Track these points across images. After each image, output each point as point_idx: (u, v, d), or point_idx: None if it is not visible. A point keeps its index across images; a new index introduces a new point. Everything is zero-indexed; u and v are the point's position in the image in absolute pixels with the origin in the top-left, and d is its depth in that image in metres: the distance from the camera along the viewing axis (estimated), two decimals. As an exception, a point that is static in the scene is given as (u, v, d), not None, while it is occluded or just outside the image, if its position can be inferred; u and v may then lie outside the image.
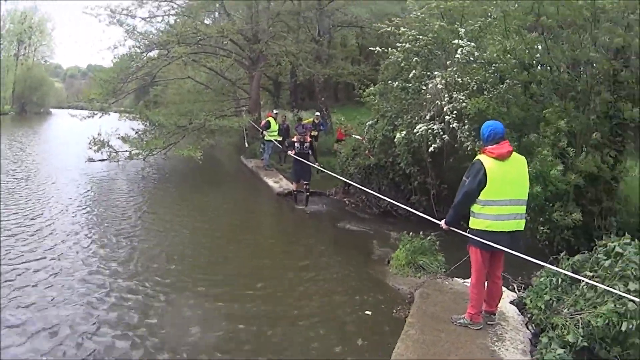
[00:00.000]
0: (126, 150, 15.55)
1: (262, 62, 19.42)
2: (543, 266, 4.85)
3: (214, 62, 19.43)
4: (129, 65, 17.51)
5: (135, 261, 7.25)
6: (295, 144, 11.05)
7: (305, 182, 11.25)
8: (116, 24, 17.98)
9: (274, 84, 28.29)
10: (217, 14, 22.77)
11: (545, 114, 7.65)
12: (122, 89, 17.98)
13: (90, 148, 15.32)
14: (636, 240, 4.93)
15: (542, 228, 7.13)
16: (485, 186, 4.46)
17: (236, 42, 18.88)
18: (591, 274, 4.76)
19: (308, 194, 11.40)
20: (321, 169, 10.94)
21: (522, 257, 4.41)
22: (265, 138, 15.94)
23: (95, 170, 15.37)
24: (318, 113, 18.84)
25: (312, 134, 15.98)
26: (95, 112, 17.75)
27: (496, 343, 4.57)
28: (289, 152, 11.09)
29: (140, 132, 16.99)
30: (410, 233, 7.35)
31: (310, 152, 11.15)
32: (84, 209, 10.35)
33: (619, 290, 4.12)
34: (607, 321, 4.13)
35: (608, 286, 4.19)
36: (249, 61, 19.29)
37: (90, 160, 15.29)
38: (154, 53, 17.86)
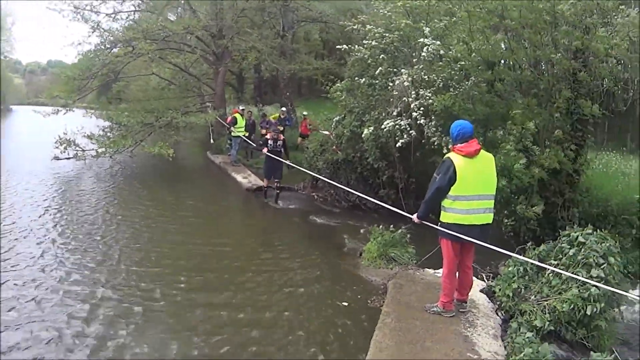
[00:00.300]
0: (92, 149, 15.25)
1: (227, 57, 19.36)
2: (510, 256, 5.11)
3: (179, 58, 19.26)
4: (93, 62, 17.18)
5: (109, 262, 7.15)
6: (269, 142, 11.03)
7: (276, 180, 11.31)
8: (80, 20, 17.61)
9: (238, 79, 28.21)
10: (180, 9, 22.48)
11: (514, 114, 7.95)
12: (87, 85, 17.60)
13: (56, 147, 14.93)
14: (597, 230, 5.26)
15: (507, 220, 7.43)
16: (455, 182, 4.68)
17: (201, 39, 18.74)
18: (556, 262, 5.07)
19: (278, 191, 11.46)
20: (293, 165, 10.97)
21: (491, 248, 4.66)
22: (232, 134, 15.92)
23: (62, 169, 15.05)
24: (284, 108, 18.91)
25: (279, 128, 16.11)
26: (60, 109, 17.30)
27: (468, 329, 4.80)
28: (263, 150, 11.06)
29: (106, 130, 16.73)
30: (381, 226, 7.52)
31: (282, 149, 11.12)
32: (53, 209, 10.10)
33: (583, 277, 4.41)
34: (572, 306, 4.44)
35: (572, 273, 4.48)
36: (213, 57, 19.18)
37: (56, 158, 14.90)
38: (118, 49, 17.49)
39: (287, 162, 11.00)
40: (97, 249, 7.74)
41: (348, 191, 9.27)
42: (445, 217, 4.86)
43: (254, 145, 15.62)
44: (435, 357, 4.21)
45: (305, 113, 18.47)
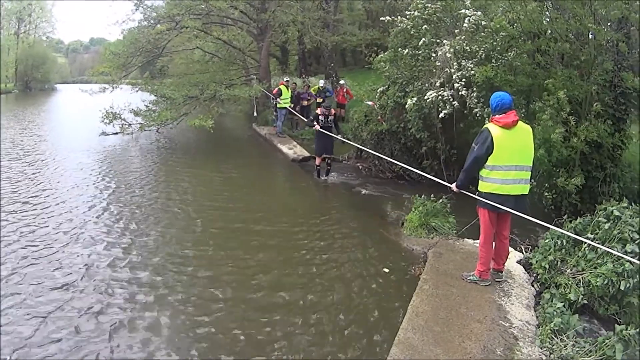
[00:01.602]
0: (138, 123, 15.74)
1: (270, 30, 19.37)
2: (548, 228, 5.16)
3: (222, 33, 19.41)
4: (137, 39, 17.60)
5: (161, 236, 7.56)
6: (320, 117, 10.69)
7: (327, 156, 11.20)
8: (122, -2, 17.92)
9: (282, 51, 28.23)
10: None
11: (547, 84, 7.87)
12: (132, 62, 18.13)
13: (102, 121, 15.55)
14: (633, 204, 5.27)
15: (547, 194, 7.42)
16: (492, 152, 4.80)
17: (244, 12, 18.84)
18: (592, 236, 5.12)
19: (329, 167, 11.45)
20: (344, 140, 10.74)
21: (527, 219, 4.76)
22: (277, 106, 16.11)
23: (110, 144, 15.69)
24: (322, 81, 18.84)
25: (318, 100, 16.20)
26: (106, 87, 17.95)
27: (502, 298, 4.96)
28: (317, 126, 10.70)
29: (151, 104, 17.12)
30: (423, 196, 7.62)
31: (333, 125, 10.92)
32: (100, 183, 10.59)
33: (618, 252, 4.48)
34: (606, 280, 4.49)
35: (608, 247, 4.56)
36: (257, 30, 19.24)
37: (104, 133, 15.60)
38: (162, 25, 17.82)
39: (339, 137, 10.68)
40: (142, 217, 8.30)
41: (391, 162, 9.39)
42: (482, 186, 5.00)
43: (299, 116, 15.87)
44: (469, 323, 4.39)
45: (342, 82, 18.35)
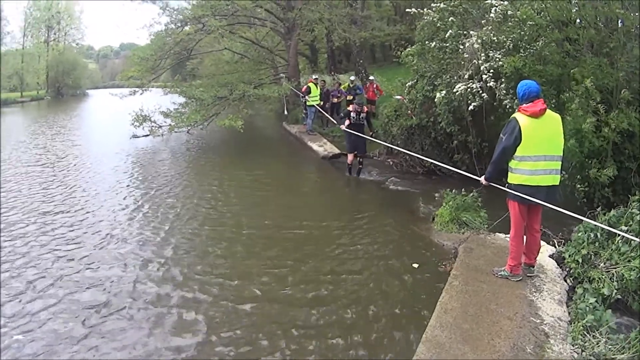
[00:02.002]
0: (167, 125, 15.94)
1: (298, 29, 19.39)
2: (581, 221, 5.04)
3: (250, 32, 19.55)
4: (165, 42, 17.87)
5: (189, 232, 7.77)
6: (352, 114, 10.63)
7: (359, 154, 11.14)
8: (148, 2, 18.12)
9: (311, 49, 28.26)
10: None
11: (574, 72, 7.66)
12: (160, 65, 18.44)
13: (132, 124, 15.88)
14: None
15: (579, 186, 7.22)
16: (520, 142, 4.72)
17: (270, 11, 18.94)
18: (626, 228, 4.98)
19: (361, 166, 11.36)
20: (375, 140, 10.65)
21: (559, 211, 4.67)
22: (307, 103, 16.17)
23: (140, 146, 16.14)
24: (353, 77, 18.79)
25: (348, 98, 16.19)
26: (136, 90, 18.35)
27: (534, 293, 4.87)
28: (342, 126, 10.85)
29: (181, 106, 17.35)
30: (453, 190, 7.58)
31: (365, 122, 10.83)
32: (132, 186, 10.84)
33: (652, 245, 4.36)
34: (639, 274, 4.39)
35: (642, 240, 4.43)
36: (284, 29, 19.32)
37: (135, 136, 16.01)
38: (189, 27, 18.04)
39: (369, 137, 10.60)
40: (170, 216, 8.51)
41: (420, 158, 9.32)
42: (512, 178, 4.93)
43: (327, 115, 15.88)
44: (499, 320, 4.33)
45: (371, 78, 18.32)
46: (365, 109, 10.96)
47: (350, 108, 10.85)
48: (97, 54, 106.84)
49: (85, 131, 22.04)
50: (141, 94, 18.40)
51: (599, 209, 5.80)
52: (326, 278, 5.95)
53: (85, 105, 42.67)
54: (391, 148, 11.97)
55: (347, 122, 10.61)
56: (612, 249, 4.93)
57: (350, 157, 11.30)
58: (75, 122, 26.39)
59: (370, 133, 10.72)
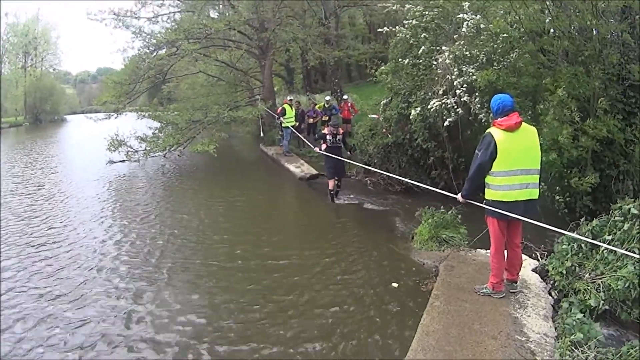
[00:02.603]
0: (143, 150, 15.77)
1: (272, 50, 19.40)
2: (564, 233, 4.93)
3: (224, 55, 19.49)
4: (139, 66, 17.71)
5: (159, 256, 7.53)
6: (327, 137, 10.13)
7: (339, 177, 10.62)
8: (122, 27, 17.91)
9: (287, 70, 28.33)
10: (221, 5, 22.69)
11: (545, 83, 7.62)
12: (135, 89, 18.27)
13: (108, 149, 15.66)
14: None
15: (558, 197, 7.14)
16: (496, 157, 4.58)
17: (244, 33, 18.91)
18: (610, 237, 4.84)
19: (338, 189, 10.74)
20: (355, 163, 10.48)
21: (538, 225, 4.53)
22: (282, 125, 16.06)
23: (116, 171, 15.73)
24: (328, 97, 18.81)
25: (323, 118, 16.14)
26: (111, 114, 18.21)
27: (518, 310, 4.69)
28: (318, 149, 10.46)
29: (156, 130, 17.16)
30: (432, 208, 7.44)
31: (342, 145, 10.30)
32: (109, 217, 10.31)
33: (637, 254, 4.22)
34: (627, 283, 4.24)
35: (627, 250, 4.29)
36: (258, 50, 19.29)
37: (111, 162, 15.72)
38: (163, 51, 17.92)
39: (346, 159, 10.09)
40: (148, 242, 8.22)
41: (396, 178, 9.17)
42: (489, 194, 4.80)
43: (303, 138, 15.72)
44: (483, 340, 4.14)
45: (345, 97, 18.32)
46: (341, 130, 10.61)
47: (326, 131, 10.38)
48: (75, 79, 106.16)
49: (63, 157, 21.66)
50: (116, 117, 18.25)
51: (582, 219, 5.66)
52: (303, 301, 5.75)
53: (63, 131, 42.22)
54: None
55: (323, 145, 10.20)
56: (597, 259, 4.80)
57: (331, 183, 10.59)
58: (53, 148, 26.02)
59: (348, 153, 10.33)
